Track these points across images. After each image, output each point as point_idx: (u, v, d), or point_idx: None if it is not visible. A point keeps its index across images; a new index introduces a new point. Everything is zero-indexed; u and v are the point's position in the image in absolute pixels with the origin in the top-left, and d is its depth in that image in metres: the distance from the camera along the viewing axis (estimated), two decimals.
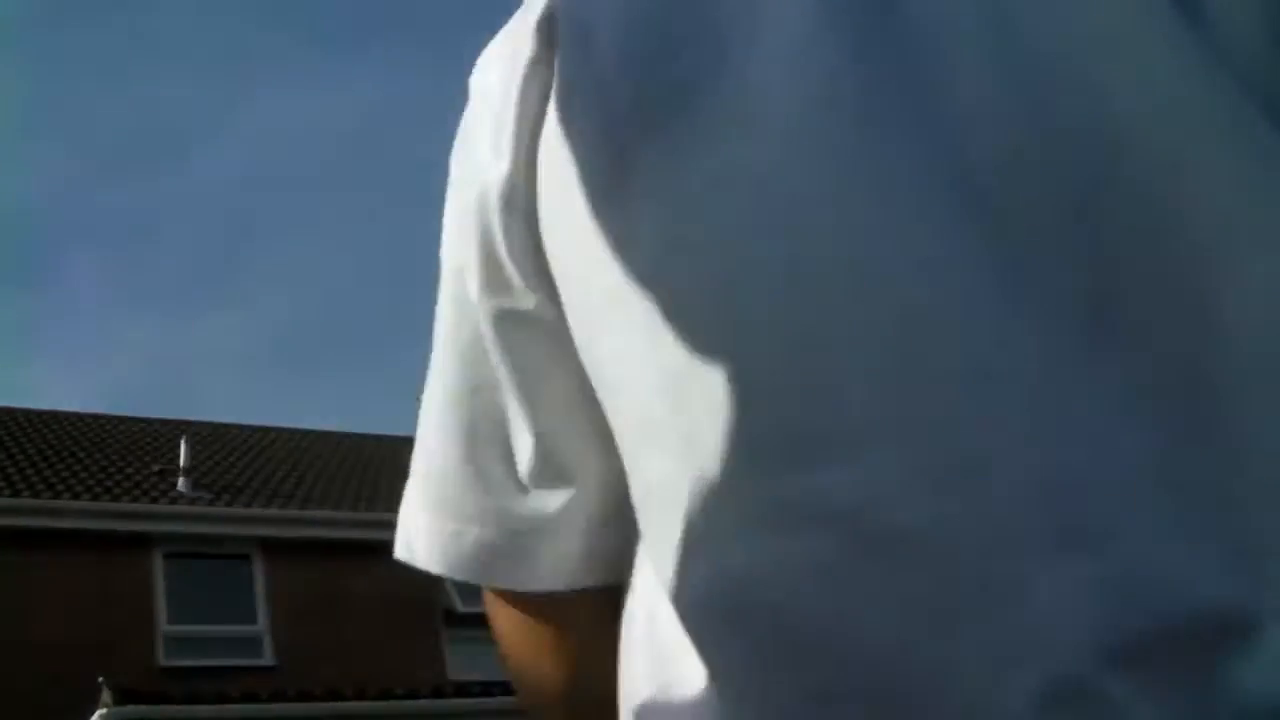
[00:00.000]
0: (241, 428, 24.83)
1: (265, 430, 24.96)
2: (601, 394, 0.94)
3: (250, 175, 59.78)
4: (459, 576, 1.06)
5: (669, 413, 0.86)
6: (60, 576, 16.80)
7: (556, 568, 1.03)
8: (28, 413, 23.10)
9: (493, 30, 1.07)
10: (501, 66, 0.99)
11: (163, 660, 16.76)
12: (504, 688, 14.27)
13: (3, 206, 57.11)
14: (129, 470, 19.72)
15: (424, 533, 1.08)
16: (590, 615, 1.04)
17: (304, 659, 17.24)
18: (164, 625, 17.06)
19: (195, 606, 17.42)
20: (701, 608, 0.86)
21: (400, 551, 1.11)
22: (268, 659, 17.34)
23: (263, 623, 17.62)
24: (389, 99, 60.05)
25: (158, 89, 58.34)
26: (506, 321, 0.99)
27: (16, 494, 17.36)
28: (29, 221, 58.02)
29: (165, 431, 22.99)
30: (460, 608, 18.35)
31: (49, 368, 59.03)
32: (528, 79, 0.95)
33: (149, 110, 57.83)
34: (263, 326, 62.27)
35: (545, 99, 0.94)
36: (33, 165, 59.18)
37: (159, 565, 17.44)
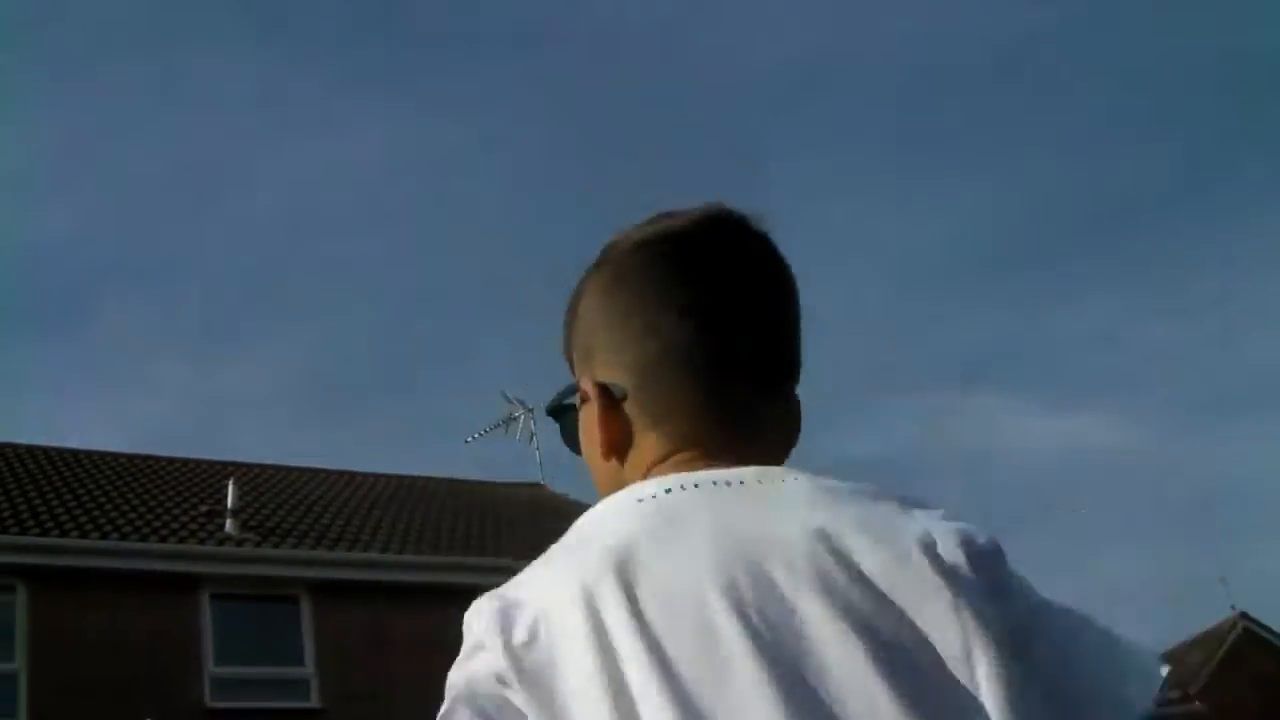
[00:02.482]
0: (288, 469, 24.86)
1: (312, 472, 25.00)
2: None
3: (287, 216, 60.12)
4: None
5: None
6: (109, 616, 16.83)
7: None
8: (75, 452, 23.19)
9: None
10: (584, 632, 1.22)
11: (209, 701, 16.75)
12: None
13: (39, 249, 57.43)
14: (176, 512, 19.74)
15: None
16: None
17: (350, 701, 17.22)
18: (211, 666, 17.05)
19: (242, 648, 17.42)
20: None
21: None
22: (314, 701, 17.31)
23: (310, 664, 17.60)
24: (418, 141, 60.31)
25: (192, 130, 58.73)
26: None
27: (64, 534, 17.41)
28: (65, 264, 58.41)
29: (212, 473, 23.04)
30: None
31: (89, 410, 59.20)
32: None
33: (183, 152, 58.18)
34: (303, 368, 62.46)
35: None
36: (68, 208, 59.57)
37: (206, 606, 17.44)
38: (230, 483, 19.72)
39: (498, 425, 27.66)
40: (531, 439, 27.30)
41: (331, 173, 59.65)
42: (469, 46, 60.42)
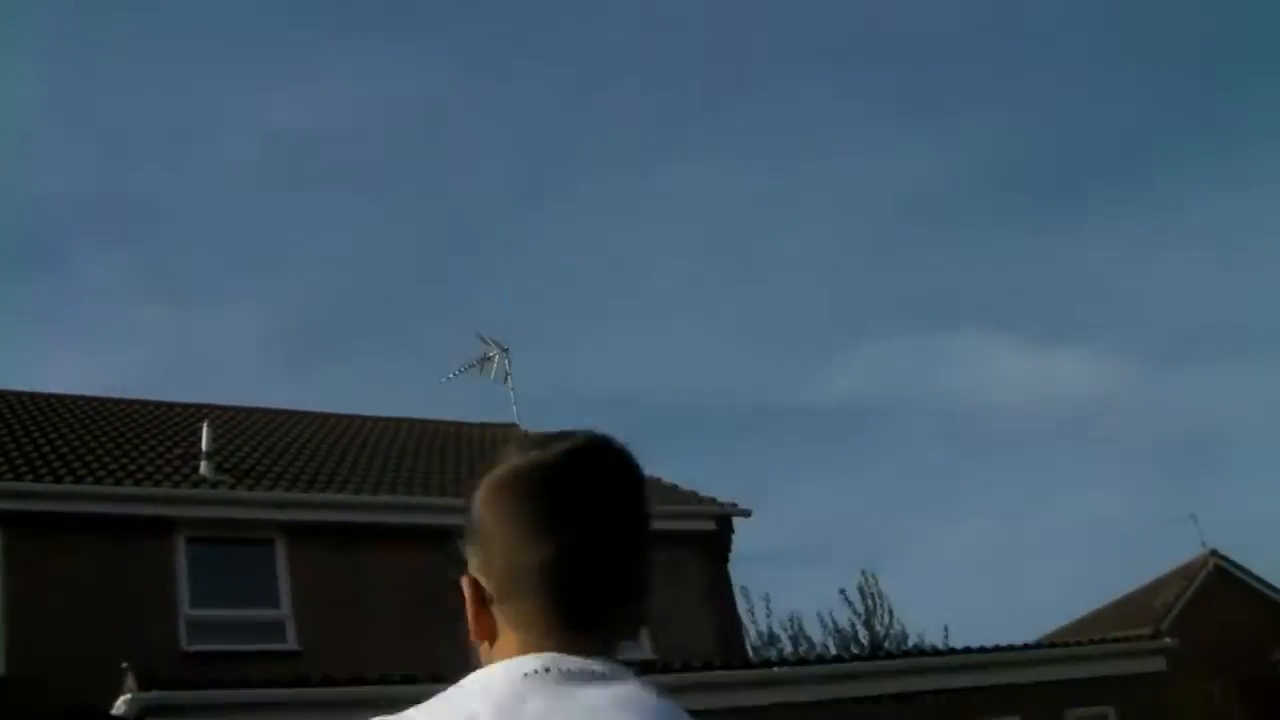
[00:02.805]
0: (263, 411, 24.82)
1: (287, 414, 24.95)
2: None
3: (269, 165, 59.98)
4: None
5: None
6: (84, 560, 16.80)
7: None
8: (48, 397, 23.11)
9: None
10: None
11: (185, 644, 16.75)
12: None
13: (23, 193, 57.31)
14: (151, 454, 19.71)
15: None
16: None
17: (327, 643, 17.22)
18: (186, 610, 17.04)
19: (218, 591, 17.42)
20: None
21: None
22: (291, 643, 17.33)
23: (286, 607, 17.61)
24: (412, 93, 60.12)
25: (180, 78, 58.48)
26: None
27: (39, 478, 17.36)
28: (48, 208, 58.32)
29: (186, 415, 22.99)
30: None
31: (67, 353, 59.16)
32: None
33: (170, 98, 58.00)
34: (280, 313, 62.45)
35: None
36: (54, 152, 59.39)
37: (181, 549, 17.42)
38: (205, 425, 19.68)
39: (472, 365, 27.72)
40: (506, 379, 27.37)
41: (308, 119, 59.59)
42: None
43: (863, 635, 35.21)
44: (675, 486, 21.99)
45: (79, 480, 17.58)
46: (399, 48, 58.79)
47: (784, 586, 66.26)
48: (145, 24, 56.74)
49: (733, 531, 20.88)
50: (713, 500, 21.24)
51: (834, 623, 35.81)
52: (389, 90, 58.43)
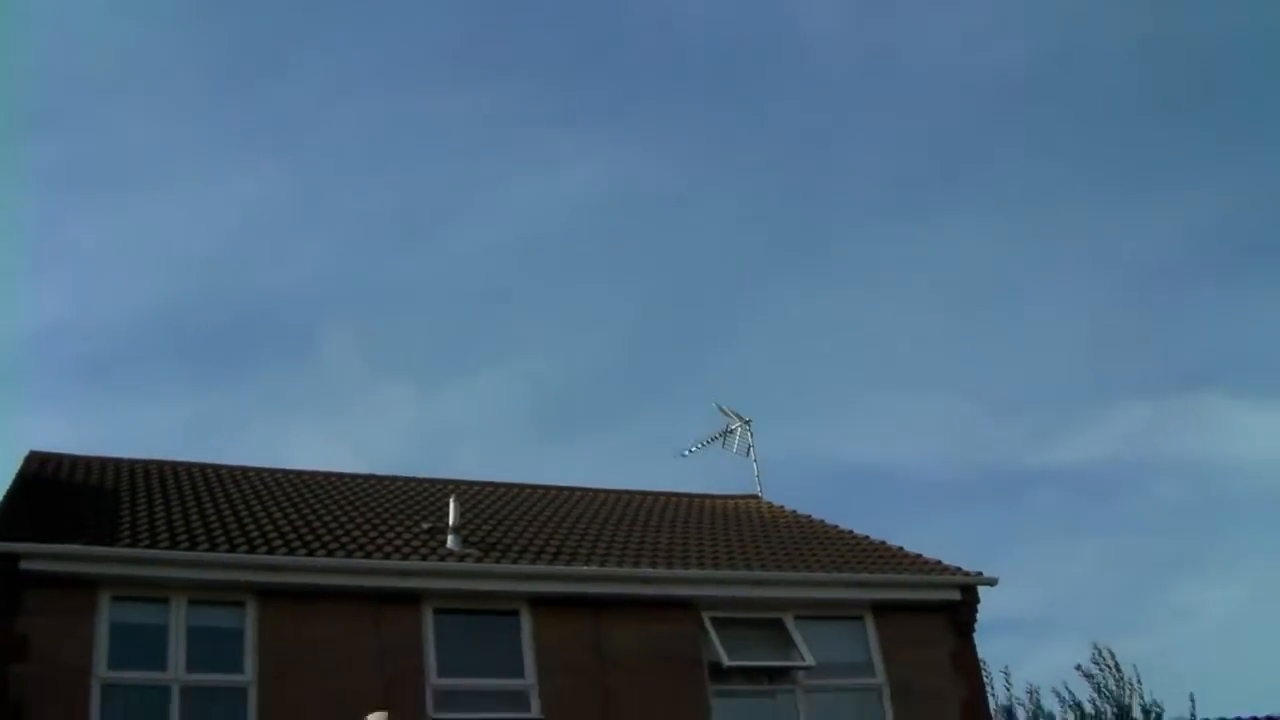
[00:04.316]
0: (506, 486, 25.22)
1: (530, 488, 25.31)
2: None
3: (502, 249, 61.16)
4: None
5: None
6: (334, 630, 17.18)
7: None
8: (300, 474, 23.83)
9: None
10: None
11: (432, 713, 16.95)
12: None
13: (269, 285, 59.31)
14: (399, 529, 20.12)
15: None
16: None
17: (570, 712, 17.35)
18: (434, 679, 17.29)
19: (464, 661, 17.63)
20: None
21: None
22: (535, 712, 17.44)
23: (530, 677, 17.72)
24: (636, 178, 60.90)
25: (412, 166, 60.04)
26: None
27: (291, 551, 17.82)
28: (293, 296, 60.23)
29: (433, 490, 23.49)
30: (726, 661, 18.31)
31: (313, 432, 60.97)
32: None
33: (405, 187, 59.57)
34: (521, 391, 63.52)
35: None
36: (296, 242, 61.32)
37: (429, 620, 17.69)
38: (451, 500, 20.01)
39: (714, 438, 27.86)
40: (749, 451, 27.45)
41: (550, 206, 60.70)
42: (679, 84, 60.95)
43: (1102, 710, 34.20)
44: (919, 556, 21.77)
45: (330, 553, 18.00)
46: (633, 133, 59.69)
47: (1023, 656, 64.67)
48: (388, 115, 58.48)
49: (978, 601, 20.52)
50: (957, 569, 20.91)
51: (1071, 695, 34.92)
52: (620, 173, 59.36)
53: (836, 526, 24.17)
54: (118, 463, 22.82)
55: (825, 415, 61.28)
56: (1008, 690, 34.48)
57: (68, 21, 57.86)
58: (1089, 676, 34.38)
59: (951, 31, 57.89)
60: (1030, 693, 35.14)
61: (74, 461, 22.64)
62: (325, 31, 62.91)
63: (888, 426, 61.84)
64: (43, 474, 21.47)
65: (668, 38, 61.32)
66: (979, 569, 20.76)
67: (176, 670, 16.47)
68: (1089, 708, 34.05)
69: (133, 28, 61.09)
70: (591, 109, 63.27)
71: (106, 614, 16.57)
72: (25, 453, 22.54)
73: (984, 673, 21.04)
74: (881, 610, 20.00)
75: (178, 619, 16.80)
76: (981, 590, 20.57)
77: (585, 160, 61.98)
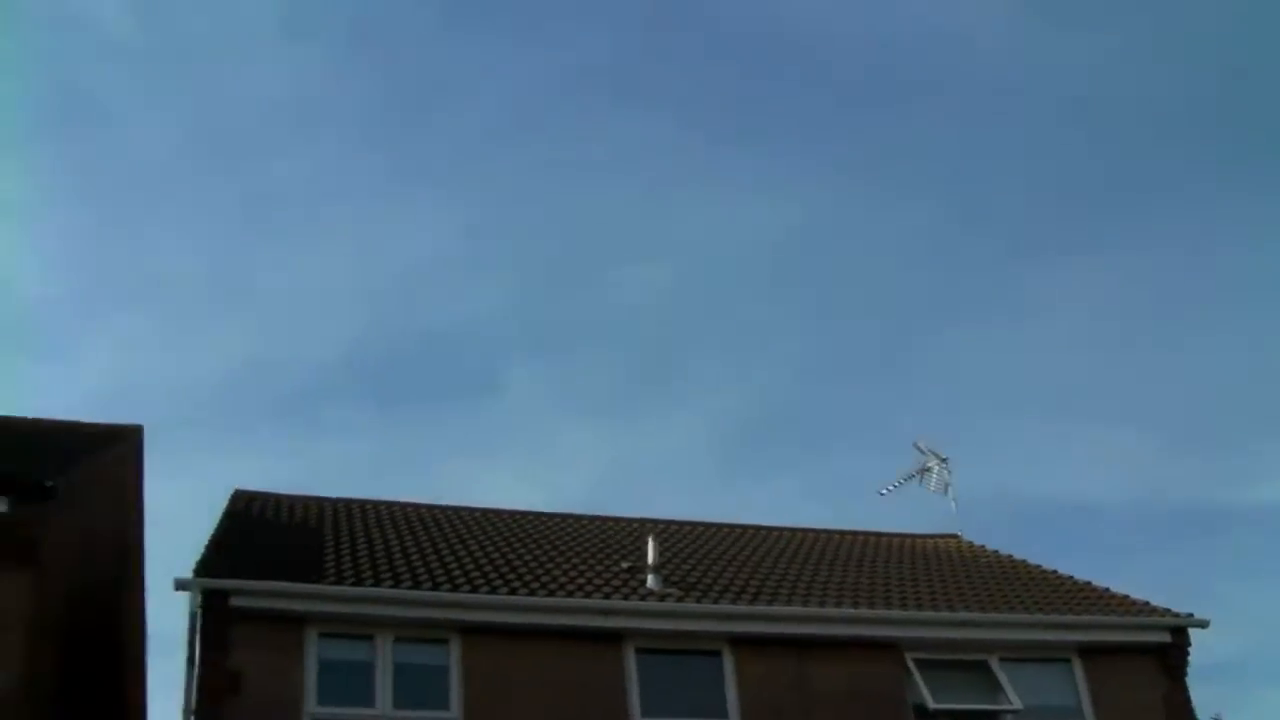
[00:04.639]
0: (704, 525, 25.17)
1: (729, 527, 25.23)
2: None
3: (682, 285, 61.29)
4: None
5: None
6: (538, 668, 17.23)
7: None
8: (497, 512, 23.99)
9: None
10: None
11: None
12: None
13: (448, 323, 60.05)
14: (598, 567, 20.14)
15: None
16: None
17: None
18: (637, 718, 17.25)
19: (667, 700, 17.55)
20: None
21: None
22: None
23: (734, 716, 17.58)
24: (820, 206, 60.74)
25: (583, 201, 60.50)
26: None
27: (494, 590, 17.90)
28: (473, 334, 60.95)
29: (628, 529, 23.54)
30: (931, 704, 18.04)
31: (503, 470, 61.60)
32: None
33: (577, 222, 60.03)
34: (705, 430, 63.54)
35: None
36: (473, 280, 62.02)
37: (631, 660, 17.68)
38: (650, 539, 20.00)
39: (911, 476, 27.54)
40: (947, 489, 27.08)
41: (727, 239, 60.77)
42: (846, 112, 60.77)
43: None
44: (1126, 596, 21.29)
45: (532, 592, 18.06)
46: (801, 160, 59.57)
47: (1234, 704, 63.00)
48: (559, 149, 58.98)
49: (1189, 644, 19.98)
50: (1166, 610, 20.40)
51: None
52: (794, 201, 59.23)
53: (1039, 566, 23.73)
54: (320, 501, 23.20)
55: (1013, 451, 60.48)
56: None
57: (239, 58, 59.29)
58: None
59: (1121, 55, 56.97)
60: None
61: (278, 500, 23.05)
62: (494, 63, 63.67)
63: (1076, 462, 60.87)
64: (249, 512, 21.89)
65: (829, 64, 61.15)
66: (1187, 610, 20.25)
67: (384, 706, 16.64)
68: None
69: (307, 66, 62.44)
70: (756, 138, 63.19)
71: (315, 650, 16.82)
72: (230, 491, 23.00)
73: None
74: (1089, 652, 19.57)
75: (384, 655, 16.98)
76: (1194, 634, 20.03)
77: (760, 192, 61.91)
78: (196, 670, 16.53)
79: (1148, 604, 20.74)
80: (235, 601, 16.68)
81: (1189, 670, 19.98)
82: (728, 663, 18.08)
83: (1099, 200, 60.67)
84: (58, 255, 61.97)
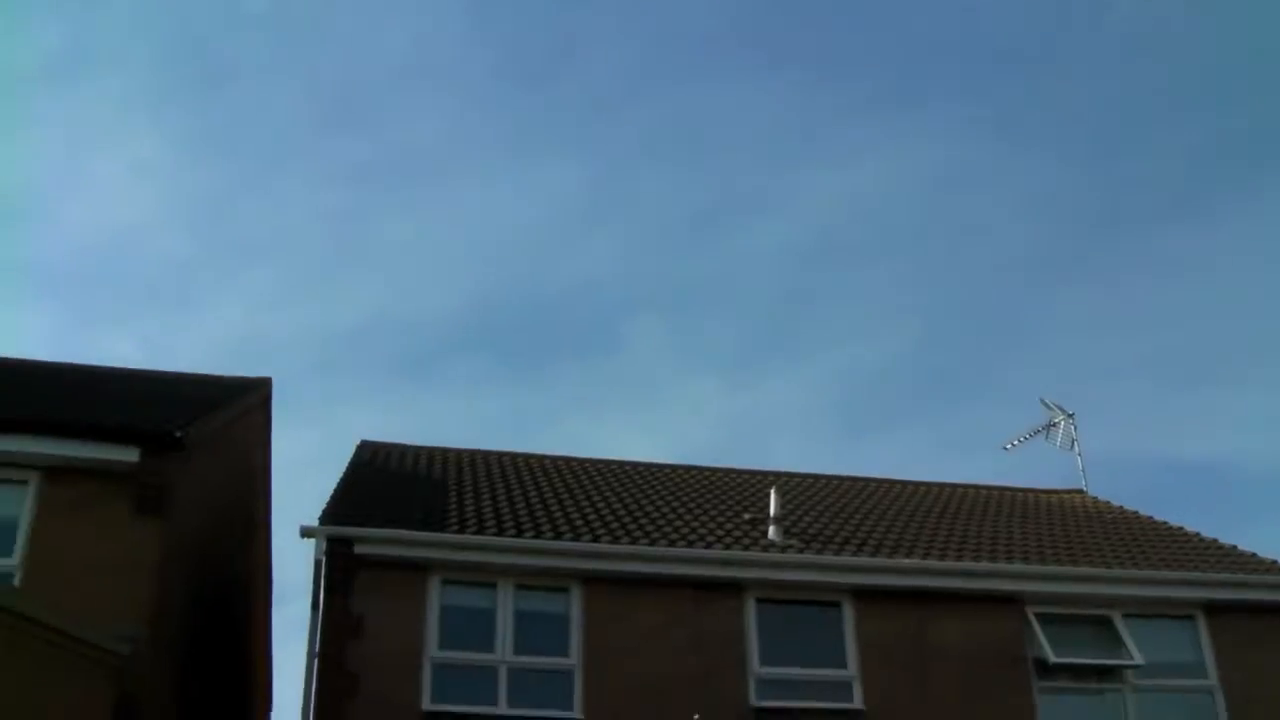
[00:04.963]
0: (825, 478, 25.15)
1: (850, 480, 25.19)
2: None
3: (800, 242, 60.99)
4: None
5: None
6: (656, 618, 17.37)
7: None
8: (618, 463, 24.13)
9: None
10: None
11: (754, 700, 17.02)
12: None
13: (570, 278, 60.23)
14: (721, 519, 20.21)
15: None
16: None
17: (892, 704, 17.18)
18: (756, 668, 17.32)
19: (786, 650, 17.60)
20: None
21: None
22: (857, 703, 17.33)
23: (853, 668, 17.59)
24: (949, 160, 60.08)
25: (705, 159, 60.25)
26: None
27: (615, 539, 18.03)
28: (595, 290, 61.09)
29: (752, 482, 23.57)
30: (1052, 658, 17.93)
31: (624, 424, 61.82)
32: None
33: (699, 180, 59.82)
34: (826, 385, 63.33)
35: None
36: (594, 236, 62.13)
37: (751, 610, 17.72)
38: (772, 491, 20.02)
39: (1038, 431, 27.34)
40: (1073, 445, 26.86)
41: (846, 197, 60.36)
42: (968, 68, 60.01)
43: None
44: (1254, 555, 21.00)
45: (653, 543, 18.16)
46: (923, 121, 58.93)
47: None
48: (681, 107, 58.83)
49: None
50: None
51: None
52: (912, 161, 58.66)
53: (1166, 523, 23.46)
54: (444, 452, 23.47)
55: (1146, 411, 59.82)
56: None
57: (362, 20, 59.66)
58: None
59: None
60: None
61: (403, 451, 23.35)
62: (617, 22, 63.64)
63: (1209, 424, 60.09)
64: (374, 462, 22.18)
65: (953, 21, 60.40)
66: None
67: (504, 652, 16.85)
68: None
69: (427, 24, 62.71)
70: (879, 97, 62.72)
71: (437, 597, 17.06)
72: (356, 442, 23.33)
73: None
74: (1214, 610, 19.29)
75: (505, 603, 17.18)
76: None
77: (876, 149, 61.48)
78: (321, 615, 16.81)
79: (1276, 562, 20.46)
80: (360, 549, 16.99)
81: None
82: (847, 614, 18.06)
83: (1251, 152, 59.63)
84: (190, 213, 63.01)
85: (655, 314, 68.83)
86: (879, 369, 64.65)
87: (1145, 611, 19.09)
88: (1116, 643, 18.54)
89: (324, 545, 16.94)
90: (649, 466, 24.33)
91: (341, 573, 16.92)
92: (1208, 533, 22.47)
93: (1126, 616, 18.91)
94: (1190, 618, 19.28)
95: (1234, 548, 21.49)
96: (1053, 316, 61.95)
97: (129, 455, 15.55)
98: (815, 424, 68.25)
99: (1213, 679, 18.82)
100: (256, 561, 24.02)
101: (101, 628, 13.69)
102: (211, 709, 19.56)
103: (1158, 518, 23.78)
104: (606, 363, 69.67)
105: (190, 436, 16.20)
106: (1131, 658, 18.30)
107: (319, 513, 17.50)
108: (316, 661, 16.58)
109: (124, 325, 65.23)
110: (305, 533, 17.01)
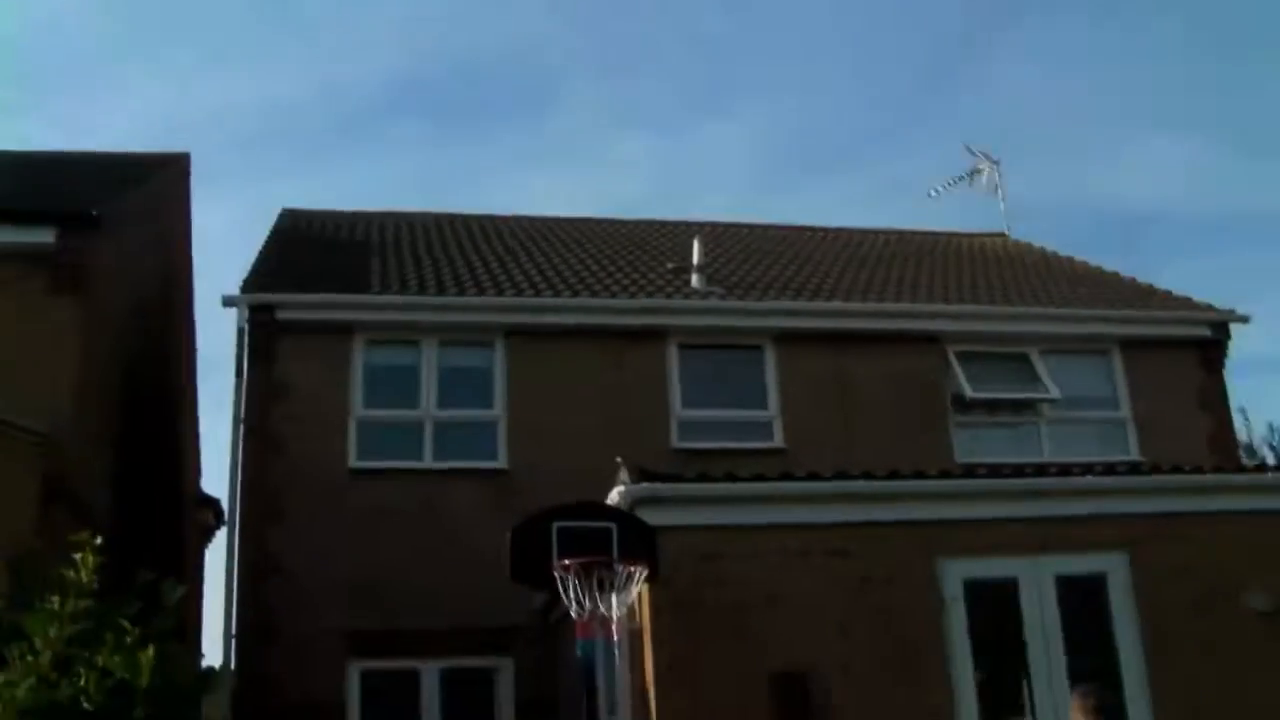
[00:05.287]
0: (749, 227, 25.17)
1: (774, 229, 25.23)
2: None
3: None
4: None
5: None
6: (581, 368, 17.62)
7: None
8: (543, 220, 24.09)
9: None
10: None
11: (676, 442, 17.35)
12: (1013, 470, 14.17)
13: (503, 38, 59.45)
14: (645, 269, 20.30)
15: None
16: None
17: (812, 442, 17.46)
18: (679, 410, 17.62)
19: (708, 394, 17.87)
20: None
21: None
22: (778, 442, 17.68)
23: (773, 408, 17.91)
24: None
25: None
26: None
27: (539, 294, 18.11)
28: (531, 54, 60.39)
29: (675, 233, 23.60)
30: (969, 393, 18.25)
31: (553, 182, 61.65)
32: None
33: None
34: (762, 135, 63.17)
35: None
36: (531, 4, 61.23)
37: (674, 356, 17.95)
38: (695, 240, 20.10)
39: (961, 178, 27.37)
40: (996, 190, 26.93)
41: None
42: None
43: None
44: (1169, 293, 21.27)
45: (576, 294, 18.27)
46: None
47: (1268, 398, 63.09)
48: None
49: (1229, 339, 19.96)
50: (1209, 306, 20.37)
51: None
52: None
53: (1085, 263, 23.67)
54: (368, 216, 23.30)
55: (1073, 156, 60.06)
56: (1246, 429, 33.87)
57: None
58: None
59: None
60: (1273, 430, 34.53)
61: (325, 217, 23.17)
62: None
63: (1138, 168, 60.40)
64: (296, 230, 22.03)
65: None
66: (1232, 308, 20.21)
67: (428, 407, 17.08)
68: None
69: None
70: None
71: (361, 357, 17.23)
72: (279, 210, 23.15)
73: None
74: (1129, 346, 19.60)
75: (429, 360, 17.36)
76: (1233, 330, 20.01)
77: None
78: (245, 382, 16.94)
79: (1190, 300, 20.73)
80: (282, 315, 17.09)
81: (1228, 366, 20.03)
82: (769, 357, 18.29)
83: None
84: None
85: (586, 72, 68.28)
86: (808, 120, 64.47)
87: (1062, 348, 19.41)
88: (1033, 378, 18.86)
89: (246, 313, 17.02)
90: (573, 221, 24.25)
91: (265, 339, 17.03)
92: (1126, 273, 22.73)
93: (1044, 353, 19.21)
94: (1105, 353, 19.59)
95: (1150, 286, 21.76)
96: (987, 58, 61.77)
97: (45, 236, 15.33)
98: (744, 176, 68.33)
99: (1124, 411, 19.21)
100: (181, 335, 23.96)
101: (23, 408, 13.69)
102: (143, 484, 19.67)
103: (1078, 259, 23.99)
104: (538, 122, 69.17)
105: (107, 214, 16.03)
106: (1047, 392, 18.64)
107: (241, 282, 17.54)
108: (243, 428, 16.75)
109: (41, 110, 64.09)
110: (227, 301, 17.05)
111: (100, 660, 9.25)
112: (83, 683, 9.10)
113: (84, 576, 9.80)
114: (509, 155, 70.06)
